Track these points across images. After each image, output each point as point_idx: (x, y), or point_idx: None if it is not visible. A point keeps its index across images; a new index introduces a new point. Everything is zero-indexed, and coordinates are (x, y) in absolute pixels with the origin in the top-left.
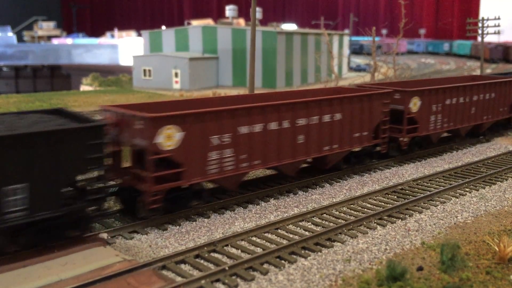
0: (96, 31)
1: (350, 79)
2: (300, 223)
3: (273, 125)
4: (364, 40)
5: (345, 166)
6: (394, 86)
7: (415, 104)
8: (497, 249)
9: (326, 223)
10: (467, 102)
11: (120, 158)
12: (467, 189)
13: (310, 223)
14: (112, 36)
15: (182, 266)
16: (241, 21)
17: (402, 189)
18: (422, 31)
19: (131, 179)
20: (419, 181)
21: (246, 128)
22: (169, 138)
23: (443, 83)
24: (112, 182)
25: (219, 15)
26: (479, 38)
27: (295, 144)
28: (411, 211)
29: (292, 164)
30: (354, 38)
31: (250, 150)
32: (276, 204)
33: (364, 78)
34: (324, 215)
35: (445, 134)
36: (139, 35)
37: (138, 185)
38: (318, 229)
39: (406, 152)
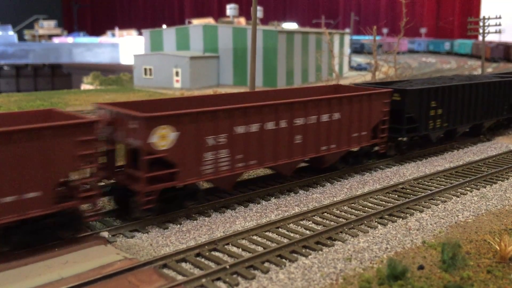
0: (97, 30)
1: (351, 78)
2: (301, 222)
3: None
4: (365, 39)
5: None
6: (143, 106)
7: (164, 138)
8: (498, 248)
9: (327, 222)
10: (285, 128)
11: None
12: (468, 188)
13: (311, 222)
14: (113, 35)
15: (183, 264)
16: (242, 20)
17: (403, 188)
18: (423, 30)
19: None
20: (420, 180)
21: None
22: None
23: (269, 97)
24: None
25: (220, 14)
26: (480, 37)
27: None
28: (412, 210)
29: None
30: (355, 37)
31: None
32: (277, 203)
33: (365, 77)
34: (325, 214)
35: (258, 172)
36: (140, 34)
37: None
38: (319, 228)
39: (163, 210)
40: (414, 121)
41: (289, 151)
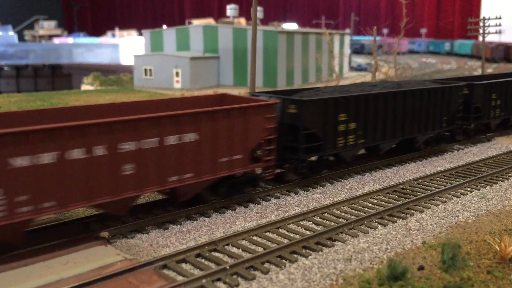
0: (97, 31)
1: (351, 78)
2: (301, 222)
3: None
4: (365, 39)
5: None
6: None
7: None
8: (498, 248)
9: (327, 222)
10: (104, 157)
11: None
12: (468, 189)
13: (311, 222)
14: (113, 35)
15: (183, 265)
16: (242, 21)
17: (403, 188)
18: (423, 31)
19: None
20: (420, 181)
21: None
22: None
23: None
24: None
25: (220, 14)
26: (480, 38)
27: None
28: (412, 211)
29: None
30: (355, 38)
31: None
32: (277, 203)
33: (365, 77)
34: (325, 214)
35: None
36: (140, 34)
37: None
38: (319, 228)
39: None
40: (317, 139)
41: (115, 186)
